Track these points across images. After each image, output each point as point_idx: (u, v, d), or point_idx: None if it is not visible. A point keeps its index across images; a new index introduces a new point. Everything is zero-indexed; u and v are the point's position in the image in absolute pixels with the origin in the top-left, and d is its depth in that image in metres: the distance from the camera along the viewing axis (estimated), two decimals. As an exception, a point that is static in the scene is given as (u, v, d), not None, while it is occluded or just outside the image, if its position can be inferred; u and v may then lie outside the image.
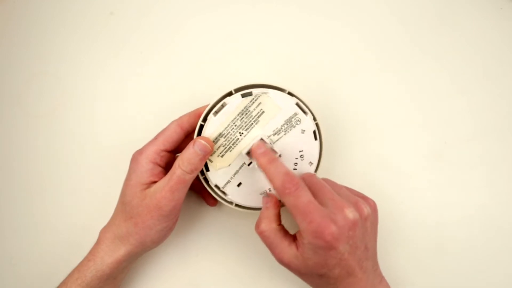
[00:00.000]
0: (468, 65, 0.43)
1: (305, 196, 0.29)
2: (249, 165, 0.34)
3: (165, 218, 0.33)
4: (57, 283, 0.34)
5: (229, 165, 0.34)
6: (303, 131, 0.35)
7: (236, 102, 0.34)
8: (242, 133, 0.34)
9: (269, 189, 0.35)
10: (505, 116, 0.42)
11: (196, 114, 0.35)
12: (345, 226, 0.29)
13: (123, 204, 0.34)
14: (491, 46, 0.43)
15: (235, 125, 0.34)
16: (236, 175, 0.35)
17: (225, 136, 0.34)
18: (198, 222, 0.41)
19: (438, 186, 0.40)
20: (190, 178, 0.32)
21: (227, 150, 0.34)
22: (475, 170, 0.40)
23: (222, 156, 0.34)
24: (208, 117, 0.34)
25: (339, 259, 0.29)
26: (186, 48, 0.45)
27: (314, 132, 0.35)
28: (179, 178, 0.32)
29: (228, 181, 0.35)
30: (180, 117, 0.35)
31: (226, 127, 0.34)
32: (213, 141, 0.34)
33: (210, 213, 0.41)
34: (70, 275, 0.34)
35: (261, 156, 0.32)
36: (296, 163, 0.35)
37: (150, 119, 0.43)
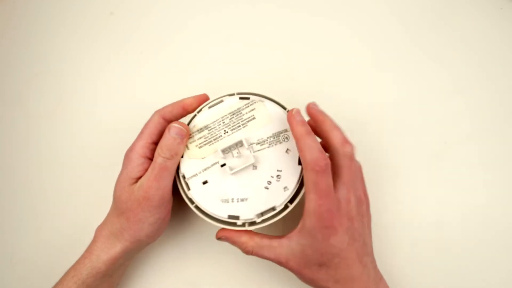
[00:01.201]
0: (468, 65, 0.43)
1: (328, 180, 0.29)
2: (222, 166, 0.33)
3: (155, 209, 0.33)
4: (57, 283, 0.34)
5: (203, 158, 0.34)
6: (288, 151, 0.32)
7: (231, 101, 0.34)
8: (227, 132, 0.34)
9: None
10: (505, 116, 0.42)
11: (179, 105, 0.35)
12: (346, 216, 0.30)
13: (114, 200, 0.34)
14: (491, 46, 0.43)
15: (223, 122, 0.34)
16: (205, 171, 0.33)
17: (210, 130, 0.34)
18: (195, 220, 0.41)
19: (438, 186, 0.40)
20: (172, 164, 0.33)
21: (207, 143, 0.34)
22: (475, 170, 0.40)
23: (200, 147, 0.34)
24: (203, 109, 0.35)
25: (339, 248, 0.30)
26: (186, 48, 0.45)
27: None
28: (161, 165, 0.32)
29: (195, 174, 0.33)
30: (163, 108, 0.35)
31: (214, 121, 0.34)
32: (198, 131, 0.34)
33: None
34: (66, 273, 0.34)
35: (300, 124, 0.30)
36: (269, 181, 0.32)
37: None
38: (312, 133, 0.30)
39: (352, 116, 0.42)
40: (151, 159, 0.34)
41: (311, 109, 0.33)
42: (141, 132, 0.34)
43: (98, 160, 0.42)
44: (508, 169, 0.40)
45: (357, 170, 0.33)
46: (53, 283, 0.34)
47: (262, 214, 0.32)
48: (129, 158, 0.34)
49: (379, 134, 0.42)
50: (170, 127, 0.33)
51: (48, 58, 0.45)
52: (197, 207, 0.33)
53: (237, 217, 0.32)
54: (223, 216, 0.32)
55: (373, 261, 0.33)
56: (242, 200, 0.32)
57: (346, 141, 0.31)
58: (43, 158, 0.43)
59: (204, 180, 0.33)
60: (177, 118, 0.35)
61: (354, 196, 0.31)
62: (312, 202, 0.29)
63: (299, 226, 0.31)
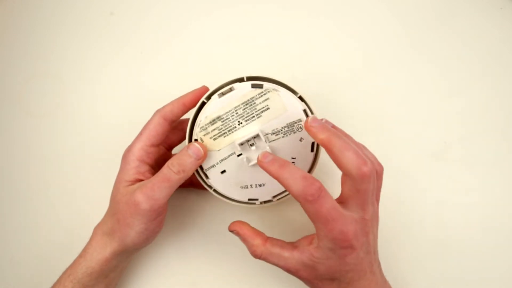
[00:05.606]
0: (468, 65, 0.43)
1: (328, 202, 0.27)
2: (238, 156, 0.34)
3: (143, 217, 0.31)
4: (57, 283, 0.34)
5: (219, 150, 0.34)
6: (301, 139, 0.34)
7: (244, 90, 0.33)
8: (241, 123, 0.33)
9: (254, 183, 0.35)
10: (505, 115, 0.42)
11: (180, 103, 0.34)
12: (362, 233, 0.29)
13: (110, 200, 0.34)
14: (491, 46, 0.43)
15: (237, 113, 0.33)
16: (222, 162, 0.34)
17: (223, 121, 0.33)
18: (196, 220, 0.41)
19: (438, 186, 0.40)
20: (176, 179, 0.31)
21: (221, 135, 0.34)
22: (475, 170, 0.40)
23: (214, 139, 0.34)
24: (212, 97, 0.33)
25: (354, 264, 0.29)
26: (186, 48, 0.45)
27: (313, 144, 0.34)
28: (164, 176, 0.31)
29: (213, 165, 0.34)
30: (163, 107, 0.34)
31: (227, 112, 0.33)
32: (210, 122, 0.33)
33: (209, 211, 0.41)
34: (64, 272, 0.34)
35: (270, 164, 0.29)
36: None
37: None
38: (288, 164, 0.28)
39: (352, 116, 0.42)
40: (147, 163, 0.34)
41: (310, 128, 0.29)
42: (140, 134, 0.34)
43: (98, 160, 0.42)
44: (508, 169, 0.40)
45: (374, 188, 0.30)
46: (53, 283, 0.34)
47: (278, 196, 0.36)
48: (126, 160, 0.33)
49: (379, 134, 0.42)
50: (190, 145, 0.32)
51: (48, 58, 0.45)
52: (216, 191, 0.35)
53: (256, 199, 0.36)
54: (243, 199, 0.35)
55: (379, 265, 0.32)
56: (259, 185, 0.35)
57: (362, 163, 0.27)
58: (43, 158, 0.43)
59: (222, 169, 0.34)
60: (178, 116, 0.34)
61: (371, 211, 0.29)
62: (322, 230, 0.28)
63: (314, 243, 0.29)
